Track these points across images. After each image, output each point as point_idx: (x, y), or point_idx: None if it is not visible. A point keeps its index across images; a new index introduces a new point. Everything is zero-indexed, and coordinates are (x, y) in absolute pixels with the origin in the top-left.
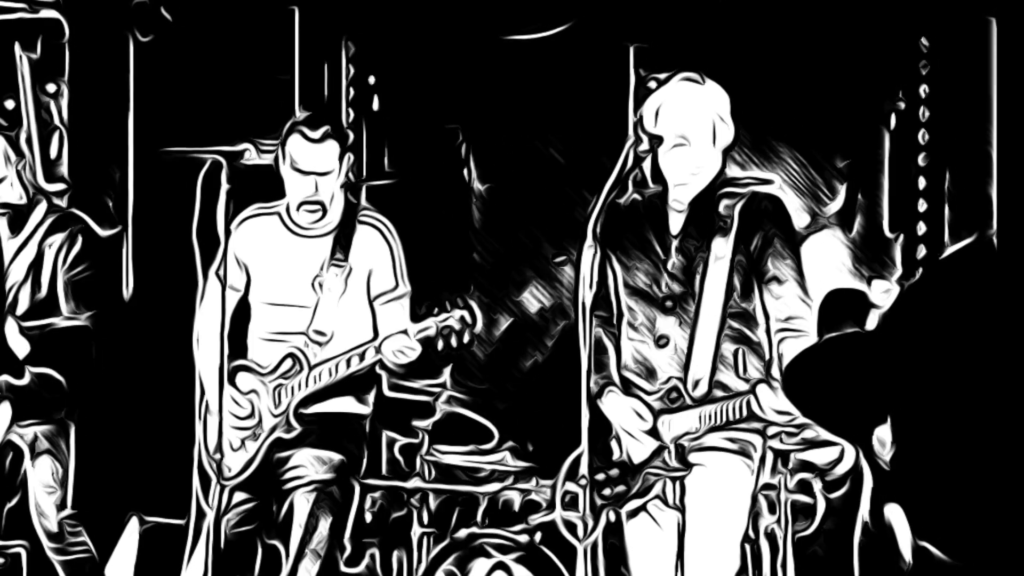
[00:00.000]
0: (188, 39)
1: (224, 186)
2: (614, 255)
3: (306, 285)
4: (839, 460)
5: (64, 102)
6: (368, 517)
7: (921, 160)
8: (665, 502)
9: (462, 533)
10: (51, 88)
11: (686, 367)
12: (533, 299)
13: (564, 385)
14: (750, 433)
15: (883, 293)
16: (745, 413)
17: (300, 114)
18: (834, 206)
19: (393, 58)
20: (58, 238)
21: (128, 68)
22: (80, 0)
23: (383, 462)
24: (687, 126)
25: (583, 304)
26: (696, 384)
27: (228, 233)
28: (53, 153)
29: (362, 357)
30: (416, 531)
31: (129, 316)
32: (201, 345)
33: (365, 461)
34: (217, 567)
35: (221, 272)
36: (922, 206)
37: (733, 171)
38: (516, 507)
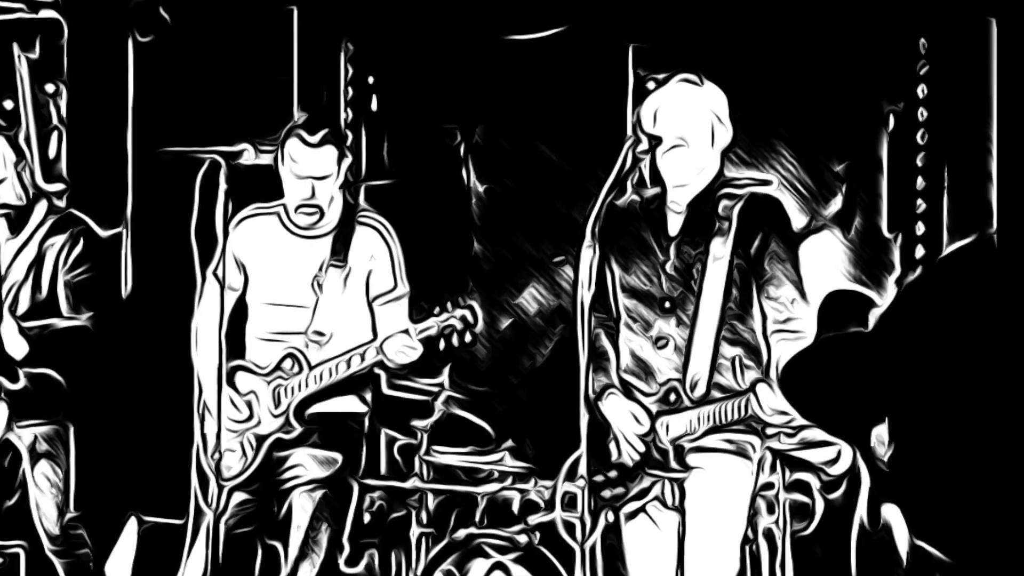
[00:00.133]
0: (187, 39)
1: (223, 186)
2: (612, 256)
3: (305, 285)
4: (836, 460)
5: (63, 102)
6: (367, 517)
7: (920, 160)
8: (664, 504)
9: (461, 533)
10: (50, 88)
11: (685, 368)
12: (532, 300)
13: (563, 386)
14: (749, 434)
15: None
16: (744, 414)
17: (299, 117)
18: (833, 207)
19: (392, 58)
20: (59, 239)
21: (127, 68)
22: (79, 0)
23: (382, 462)
24: (685, 127)
25: (582, 305)
26: (695, 385)
27: (226, 233)
28: (52, 153)
29: (363, 357)
30: (415, 531)
31: (128, 316)
32: (199, 345)
33: (363, 460)
34: (216, 567)
35: (219, 272)
36: (921, 206)
37: (731, 172)
38: (515, 508)
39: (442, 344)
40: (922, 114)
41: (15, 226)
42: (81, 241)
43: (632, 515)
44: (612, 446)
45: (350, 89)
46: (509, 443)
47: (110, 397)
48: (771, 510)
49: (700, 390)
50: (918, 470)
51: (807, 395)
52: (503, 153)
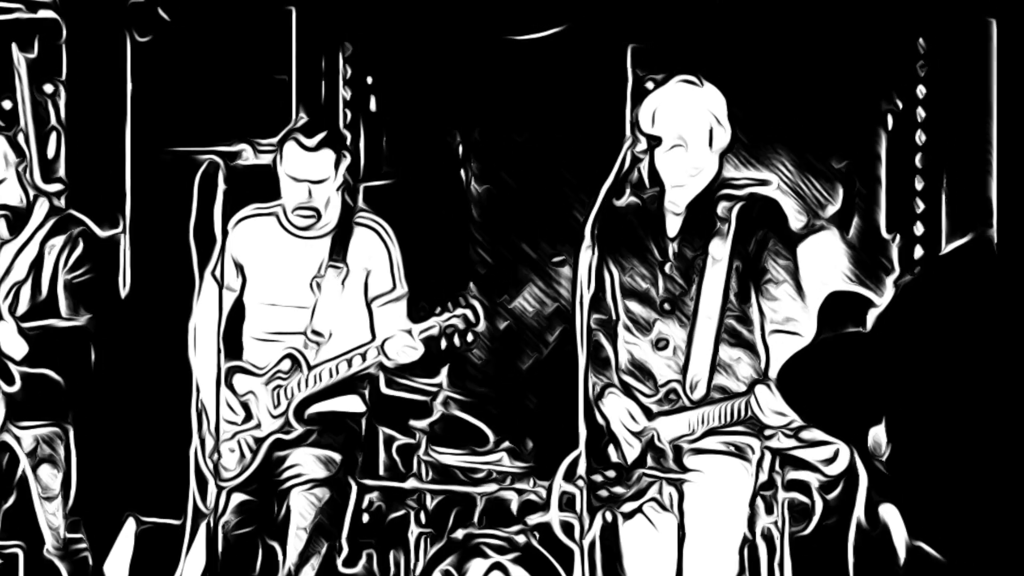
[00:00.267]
0: (185, 39)
1: (221, 186)
2: (611, 257)
3: (303, 286)
4: (833, 459)
5: (61, 102)
6: (365, 517)
7: (918, 161)
8: (661, 505)
9: (459, 534)
10: (48, 88)
11: (684, 369)
12: (531, 300)
13: (562, 386)
14: (748, 435)
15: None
16: (744, 415)
17: (298, 120)
18: (831, 207)
19: (391, 58)
20: (59, 240)
21: (125, 68)
22: (77, 0)
23: (380, 462)
24: (684, 128)
25: (581, 305)
26: (694, 386)
27: (225, 233)
28: (50, 153)
29: (364, 357)
30: (413, 531)
31: (126, 317)
32: (197, 346)
33: (361, 460)
34: (216, 567)
35: (217, 273)
36: (919, 207)
37: (731, 172)
38: (513, 508)
39: (444, 344)
40: (921, 114)
41: (14, 227)
42: (81, 242)
43: (629, 516)
44: (610, 446)
45: (349, 89)
46: (507, 444)
47: (109, 398)
48: (769, 510)
49: (700, 391)
50: (916, 470)
51: (804, 395)
52: (502, 153)
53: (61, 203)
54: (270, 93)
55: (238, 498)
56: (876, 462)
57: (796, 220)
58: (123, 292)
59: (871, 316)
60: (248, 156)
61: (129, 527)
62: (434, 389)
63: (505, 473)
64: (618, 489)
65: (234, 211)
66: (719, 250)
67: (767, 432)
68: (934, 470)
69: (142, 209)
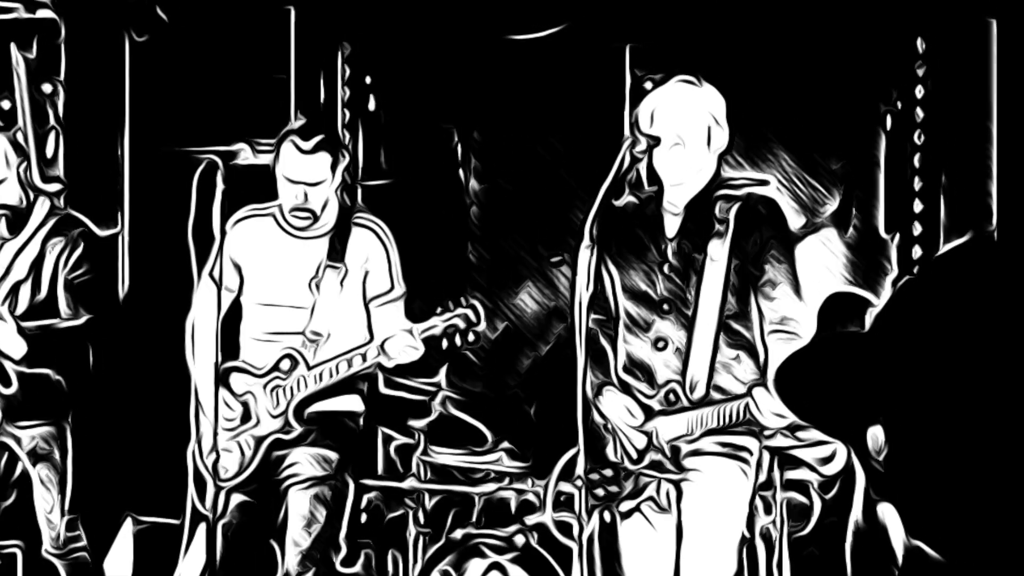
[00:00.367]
0: (184, 39)
1: (220, 186)
2: (610, 257)
3: (301, 286)
4: (831, 459)
5: (60, 102)
6: (363, 517)
7: (917, 161)
8: (659, 505)
9: (458, 533)
10: (47, 88)
11: (684, 370)
12: (529, 300)
13: (561, 386)
14: (746, 436)
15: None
16: (742, 417)
17: (296, 122)
18: (830, 207)
19: (389, 58)
20: (60, 240)
21: (124, 68)
22: (76, 0)
23: (379, 462)
24: (682, 127)
25: (580, 305)
26: (693, 386)
27: (224, 233)
28: (49, 153)
29: (364, 357)
30: (412, 531)
31: (125, 317)
32: (195, 346)
33: (360, 459)
34: (215, 568)
35: (215, 273)
36: (918, 207)
37: (729, 172)
38: (512, 508)
39: (445, 343)
40: (919, 115)
41: (14, 226)
42: (81, 242)
43: (628, 515)
44: (608, 444)
45: (347, 89)
46: (506, 444)
47: (107, 397)
48: (768, 510)
49: (699, 391)
50: (914, 470)
51: (802, 395)
52: (500, 153)
53: (60, 203)
54: (269, 93)
55: (237, 498)
56: (874, 462)
57: (794, 220)
58: (121, 292)
59: (869, 316)
60: (247, 156)
61: (128, 527)
62: (432, 389)
63: (503, 473)
64: (614, 487)
65: (233, 211)
66: (718, 250)
67: (766, 432)
68: (932, 470)
69: (140, 209)
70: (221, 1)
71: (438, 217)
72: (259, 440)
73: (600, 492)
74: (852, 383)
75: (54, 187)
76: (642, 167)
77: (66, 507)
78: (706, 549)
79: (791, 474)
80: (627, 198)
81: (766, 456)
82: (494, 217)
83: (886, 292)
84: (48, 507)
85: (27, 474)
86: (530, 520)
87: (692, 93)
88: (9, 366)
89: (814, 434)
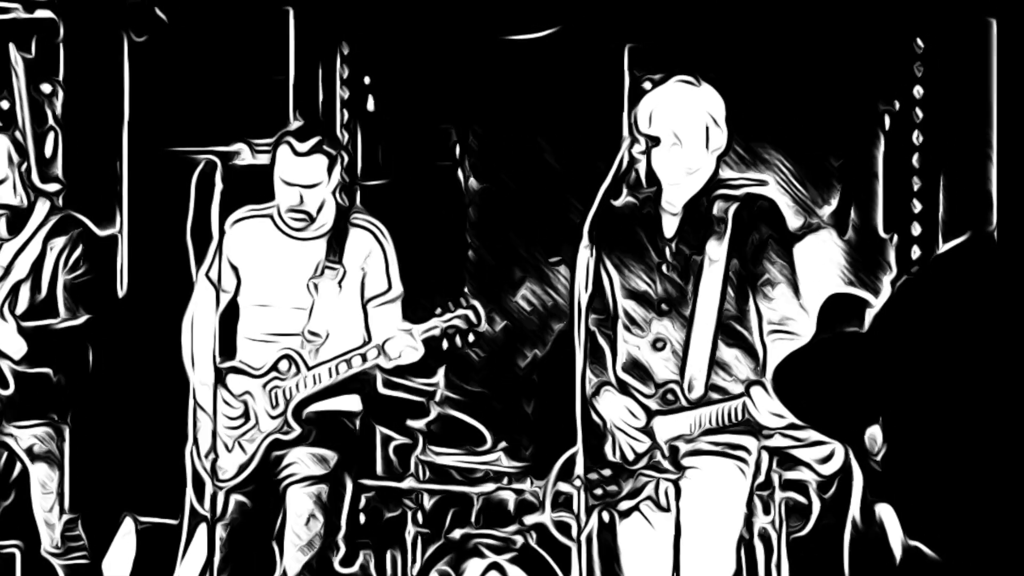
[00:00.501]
0: (183, 39)
1: (218, 186)
2: (609, 257)
3: (299, 287)
4: (828, 459)
5: (59, 102)
6: (362, 517)
7: (916, 161)
8: (658, 504)
9: (456, 533)
10: (46, 88)
11: (682, 370)
12: (528, 300)
13: (560, 386)
14: (745, 436)
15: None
16: (741, 416)
17: (293, 123)
18: (828, 207)
19: (388, 58)
20: (60, 240)
21: (123, 68)
22: (75, 0)
23: (377, 462)
24: (680, 126)
25: (579, 305)
26: (692, 386)
27: (223, 233)
28: (48, 153)
29: (364, 357)
30: (410, 531)
31: (123, 317)
32: (193, 347)
33: (358, 459)
34: (214, 568)
35: (212, 274)
36: (916, 207)
37: (727, 172)
38: (511, 507)
39: (445, 344)
40: (918, 115)
41: (14, 226)
42: (81, 242)
43: (626, 514)
44: (607, 444)
45: (346, 89)
46: (504, 444)
47: (106, 397)
48: (767, 511)
49: (697, 391)
50: (912, 469)
51: (800, 395)
52: (499, 153)
53: (60, 203)
54: (267, 93)
55: (236, 498)
56: (872, 461)
57: (793, 220)
58: (121, 292)
59: (868, 315)
60: (245, 156)
61: (127, 527)
62: (431, 389)
63: (502, 473)
64: (613, 487)
65: (231, 211)
66: (716, 250)
67: (764, 432)
68: (930, 469)
69: (139, 209)
70: (220, 1)
71: (437, 217)
72: (258, 440)
73: (599, 492)
74: (850, 383)
75: (53, 187)
76: (641, 167)
77: (65, 507)
78: (705, 547)
79: (789, 474)
80: (626, 198)
81: (764, 456)
82: (492, 217)
83: (885, 292)
84: (47, 507)
85: (26, 474)
86: (529, 520)
87: (690, 93)
88: (5, 367)
89: (812, 434)
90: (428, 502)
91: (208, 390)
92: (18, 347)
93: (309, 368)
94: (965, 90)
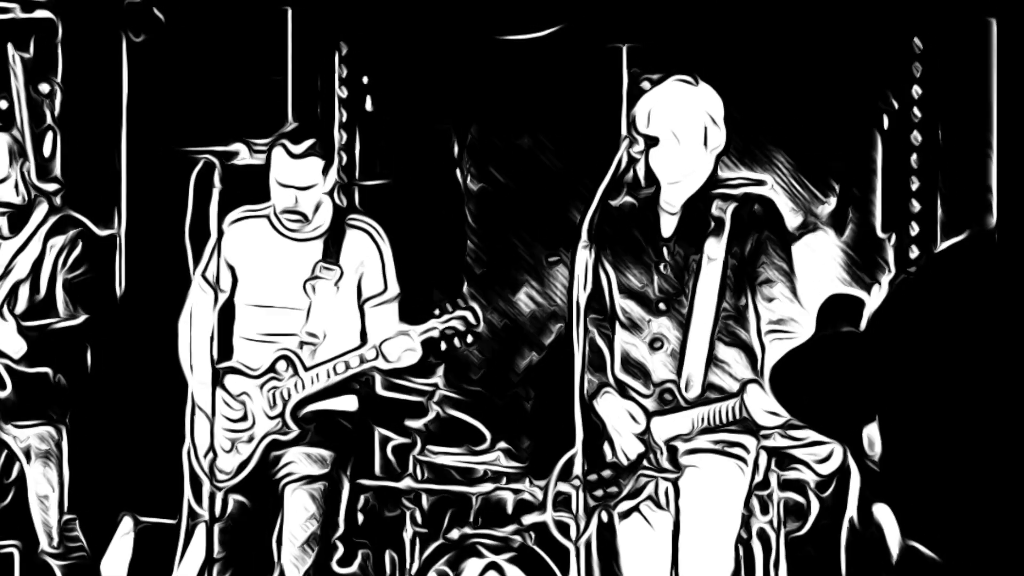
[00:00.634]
0: (181, 39)
1: (217, 186)
2: (607, 257)
3: (296, 287)
4: (827, 459)
5: (57, 102)
6: (360, 517)
7: (914, 161)
8: (657, 504)
9: (455, 533)
10: (44, 88)
11: (679, 369)
12: (527, 300)
13: (558, 386)
14: (743, 434)
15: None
16: (738, 416)
17: (288, 125)
18: (827, 207)
19: (386, 58)
20: (59, 240)
21: (121, 68)
22: (73, 0)
23: (375, 461)
24: (678, 124)
25: (578, 305)
26: (689, 386)
27: (221, 233)
28: (46, 153)
29: (362, 358)
30: (409, 531)
31: (122, 316)
32: (190, 347)
33: (355, 458)
34: (212, 567)
35: (209, 274)
36: (915, 207)
37: (725, 172)
38: (509, 507)
39: (443, 346)
40: (916, 114)
41: (15, 225)
42: (81, 242)
43: (626, 515)
44: (606, 445)
45: (344, 89)
46: (503, 444)
47: (104, 397)
48: (765, 510)
49: (695, 391)
50: (910, 469)
51: (797, 394)
52: (497, 153)
53: (59, 202)
54: (266, 93)
55: (235, 499)
56: (869, 461)
57: (792, 220)
58: (119, 292)
59: (865, 315)
60: (244, 156)
61: (125, 526)
62: (430, 389)
63: (501, 473)
64: (613, 488)
65: (230, 211)
66: (714, 250)
67: (763, 432)
68: (928, 469)
69: (137, 209)
70: (218, 1)
71: (435, 217)
72: (256, 441)
73: (599, 493)
74: (848, 382)
75: (51, 187)
76: (639, 167)
77: (64, 507)
78: (703, 545)
79: (788, 474)
80: (624, 198)
81: (763, 455)
82: (491, 217)
83: (882, 293)
84: (45, 507)
85: (24, 473)
86: (528, 520)
87: (688, 92)
88: (2, 368)
89: (811, 433)
90: (426, 502)
91: (206, 390)
92: (18, 347)
93: (307, 369)
94: (964, 90)
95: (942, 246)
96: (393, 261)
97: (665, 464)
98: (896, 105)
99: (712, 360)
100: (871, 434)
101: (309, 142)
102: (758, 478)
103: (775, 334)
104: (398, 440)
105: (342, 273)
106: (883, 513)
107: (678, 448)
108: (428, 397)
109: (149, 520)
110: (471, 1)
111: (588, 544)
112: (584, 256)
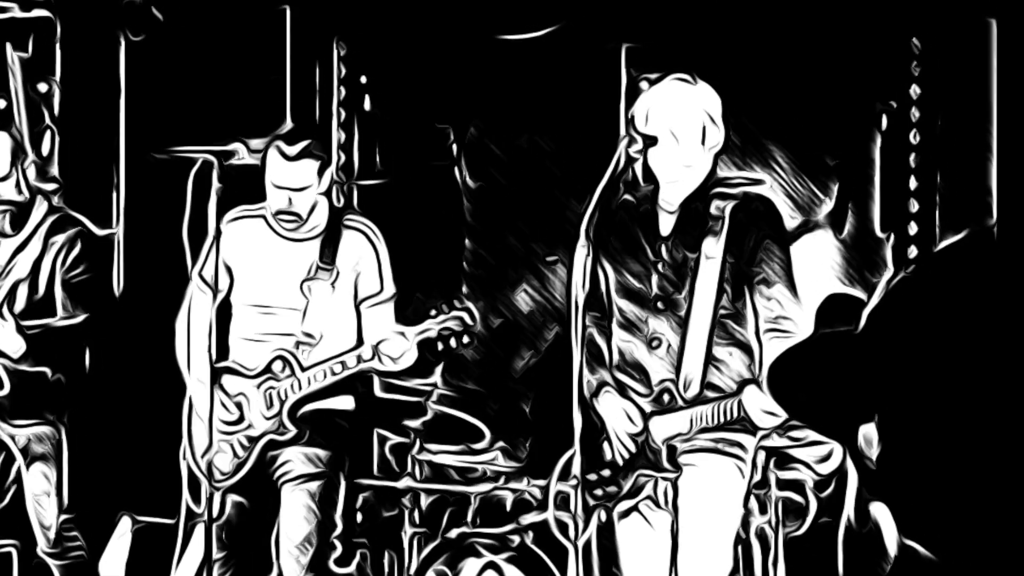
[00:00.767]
0: (179, 39)
1: (215, 186)
2: (605, 256)
3: (292, 288)
4: (826, 458)
5: (55, 101)
6: (359, 517)
7: (912, 160)
8: (656, 503)
9: (453, 533)
10: (42, 87)
11: (678, 368)
12: (525, 299)
13: (557, 385)
14: (742, 434)
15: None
16: (736, 414)
17: (283, 127)
18: (825, 207)
19: (385, 58)
20: (59, 239)
21: (119, 68)
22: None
23: (374, 461)
24: (676, 123)
25: (576, 304)
26: (687, 385)
27: (219, 233)
28: (44, 152)
29: (359, 359)
30: (407, 531)
31: (120, 316)
32: (189, 347)
33: (352, 457)
34: (211, 567)
35: (206, 274)
36: (914, 206)
37: (724, 171)
38: (507, 507)
39: (440, 346)
40: (915, 114)
41: (16, 223)
42: (80, 241)
43: (625, 514)
44: (605, 445)
45: (343, 89)
46: (501, 443)
47: (102, 397)
48: (763, 510)
49: (693, 390)
50: (908, 469)
51: (795, 393)
52: (496, 153)
53: (56, 202)
54: (264, 92)
55: (233, 499)
56: (867, 460)
57: (790, 219)
58: (117, 292)
59: (864, 314)
60: (242, 155)
61: (123, 526)
62: (428, 388)
63: (499, 472)
64: (612, 488)
65: (228, 210)
66: (713, 249)
67: (761, 431)
68: (926, 469)
69: (136, 208)
70: (216, 1)
71: (434, 217)
72: (253, 440)
73: (599, 493)
74: (845, 381)
75: (50, 186)
76: (637, 166)
77: (63, 507)
78: (702, 545)
79: (786, 474)
80: (623, 197)
81: (761, 455)
82: (490, 216)
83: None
84: (43, 507)
85: (22, 473)
86: (526, 519)
87: (687, 91)
88: (1, 368)
89: (810, 433)
90: (425, 502)
91: (204, 389)
92: (17, 346)
93: (304, 369)
94: (963, 90)
95: (941, 245)
96: (389, 261)
97: (664, 463)
98: (895, 105)
99: (710, 359)
100: (868, 433)
101: (303, 144)
102: (757, 477)
103: (773, 333)
104: (396, 439)
105: (338, 273)
106: (880, 512)
107: (676, 448)
108: (426, 397)
109: (147, 520)
110: (470, 1)
111: (587, 544)
112: (582, 255)
